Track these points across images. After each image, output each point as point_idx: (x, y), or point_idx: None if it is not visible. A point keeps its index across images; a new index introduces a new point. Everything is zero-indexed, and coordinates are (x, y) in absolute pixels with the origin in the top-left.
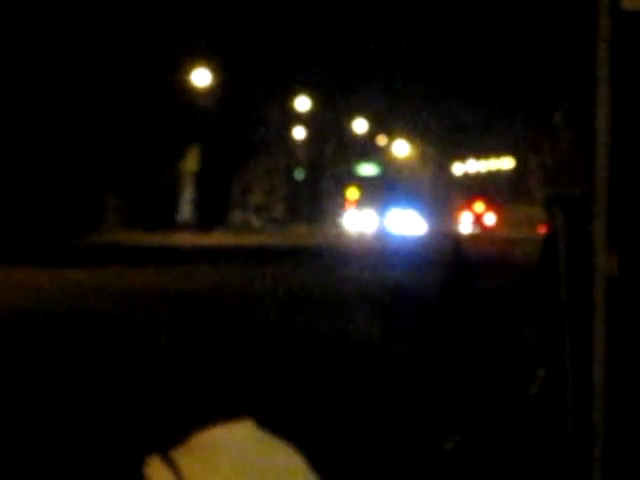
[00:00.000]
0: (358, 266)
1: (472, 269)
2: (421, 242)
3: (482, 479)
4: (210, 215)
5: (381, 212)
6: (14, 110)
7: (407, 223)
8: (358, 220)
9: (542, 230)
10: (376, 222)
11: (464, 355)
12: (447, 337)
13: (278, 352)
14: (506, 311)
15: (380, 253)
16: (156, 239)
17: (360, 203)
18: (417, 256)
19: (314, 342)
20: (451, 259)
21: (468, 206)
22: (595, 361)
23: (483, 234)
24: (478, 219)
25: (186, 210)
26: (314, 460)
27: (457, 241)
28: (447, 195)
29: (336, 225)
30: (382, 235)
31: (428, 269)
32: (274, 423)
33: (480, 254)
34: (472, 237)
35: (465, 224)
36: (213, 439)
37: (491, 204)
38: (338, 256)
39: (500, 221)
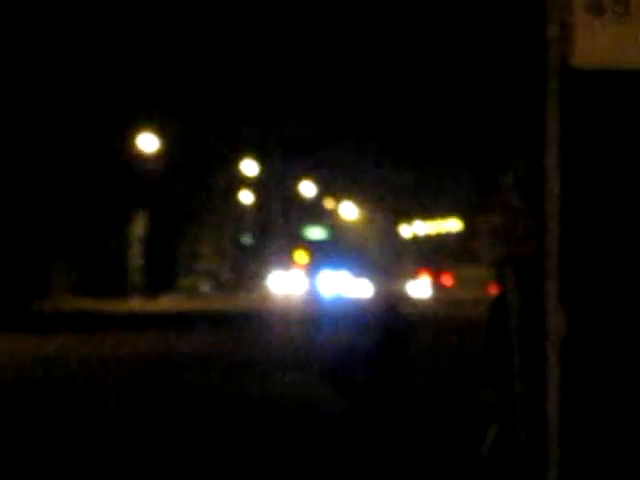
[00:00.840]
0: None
1: (404, 331)
2: (358, 304)
3: None
4: (158, 280)
5: (312, 273)
6: None
7: (340, 284)
8: (285, 281)
9: (492, 290)
10: (305, 284)
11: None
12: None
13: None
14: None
15: (310, 316)
16: (104, 305)
17: (309, 266)
18: (349, 318)
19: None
20: (385, 319)
21: (422, 272)
22: (549, 418)
23: (441, 296)
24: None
25: (135, 275)
26: None
27: (393, 303)
28: (396, 258)
29: (262, 288)
30: (313, 297)
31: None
32: None
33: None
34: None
35: (423, 288)
36: None
37: (441, 270)
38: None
39: (455, 282)
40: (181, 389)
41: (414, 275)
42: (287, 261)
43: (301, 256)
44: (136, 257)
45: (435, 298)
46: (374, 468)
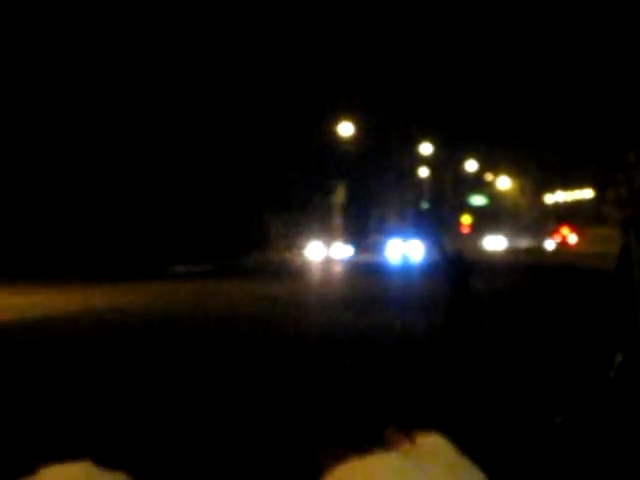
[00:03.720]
0: None
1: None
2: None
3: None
4: (354, 237)
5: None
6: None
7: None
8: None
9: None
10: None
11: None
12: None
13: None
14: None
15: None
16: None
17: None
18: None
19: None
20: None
21: (558, 230)
22: None
23: (569, 250)
24: (564, 239)
25: (336, 233)
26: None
27: (459, 253)
28: (542, 219)
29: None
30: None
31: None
32: None
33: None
34: (558, 251)
35: (553, 243)
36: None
37: (575, 228)
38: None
39: (582, 241)
40: None
41: (554, 233)
42: (456, 223)
43: (466, 219)
44: (337, 218)
45: (564, 251)
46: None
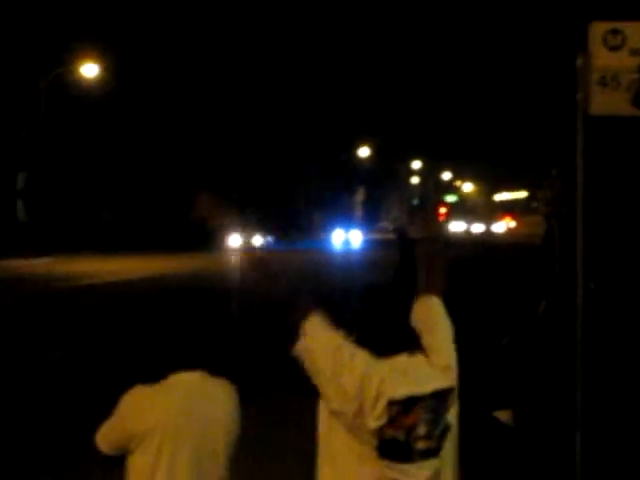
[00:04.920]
0: None
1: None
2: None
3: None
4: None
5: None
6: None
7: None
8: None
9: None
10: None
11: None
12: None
13: None
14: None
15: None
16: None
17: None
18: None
19: None
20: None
21: (502, 218)
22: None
23: (510, 232)
24: (507, 225)
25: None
26: None
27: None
28: (491, 211)
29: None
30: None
31: None
32: None
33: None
34: (504, 233)
35: (499, 227)
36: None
37: (514, 216)
38: None
39: (519, 225)
40: None
41: (498, 219)
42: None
43: (442, 210)
44: (357, 212)
45: (507, 233)
46: None
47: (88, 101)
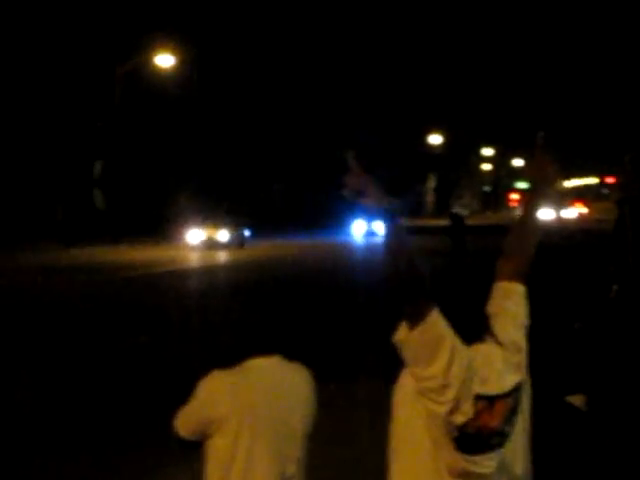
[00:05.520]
0: None
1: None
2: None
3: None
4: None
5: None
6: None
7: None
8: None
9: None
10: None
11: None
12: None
13: None
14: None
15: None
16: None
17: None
18: None
19: None
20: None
21: (573, 204)
22: None
23: (583, 218)
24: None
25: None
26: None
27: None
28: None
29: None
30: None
31: None
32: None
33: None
34: (576, 219)
35: (571, 213)
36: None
37: (585, 203)
38: None
39: (591, 211)
40: None
41: (569, 205)
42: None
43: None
44: (430, 197)
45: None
46: None
47: (163, 92)
